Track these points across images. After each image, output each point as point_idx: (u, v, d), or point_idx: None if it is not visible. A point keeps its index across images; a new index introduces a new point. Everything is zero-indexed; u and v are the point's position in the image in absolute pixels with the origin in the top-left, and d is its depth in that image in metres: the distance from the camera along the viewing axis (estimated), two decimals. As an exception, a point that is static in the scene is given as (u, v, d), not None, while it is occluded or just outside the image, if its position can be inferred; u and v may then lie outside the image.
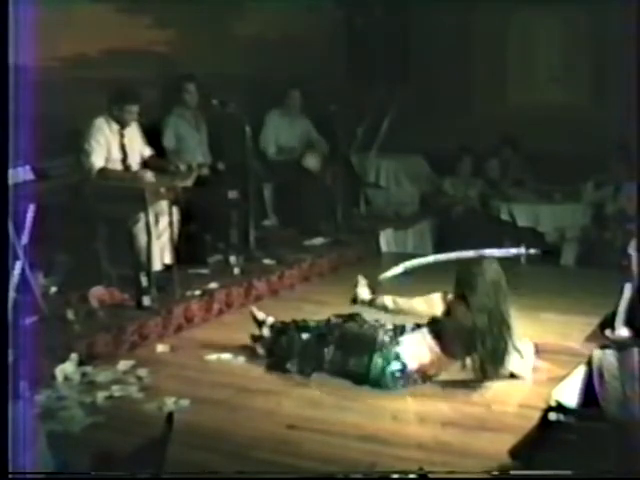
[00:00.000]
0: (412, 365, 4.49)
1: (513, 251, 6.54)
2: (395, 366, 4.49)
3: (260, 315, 5.14)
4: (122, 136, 5.93)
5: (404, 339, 4.57)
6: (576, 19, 8.90)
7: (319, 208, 7.69)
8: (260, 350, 5.04)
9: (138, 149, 6.08)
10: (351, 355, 4.59)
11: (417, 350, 4.52)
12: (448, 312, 4.52)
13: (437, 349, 4.51)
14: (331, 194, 7.72)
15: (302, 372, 4.72)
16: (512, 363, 4.56)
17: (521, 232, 8.04)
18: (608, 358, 3.34)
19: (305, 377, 4.70)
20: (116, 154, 5.89)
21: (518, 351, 4.56)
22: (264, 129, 7.76)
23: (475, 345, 4.43)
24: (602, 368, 3.34)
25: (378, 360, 4.51)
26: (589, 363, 3.44)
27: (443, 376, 4.61)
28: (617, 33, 8.28)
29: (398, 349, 4.52)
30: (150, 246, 5.62)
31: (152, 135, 6.50)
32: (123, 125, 5.91)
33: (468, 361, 4.52)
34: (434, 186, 8.88)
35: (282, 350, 4.85)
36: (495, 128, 8.65)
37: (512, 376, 4.60)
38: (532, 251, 7.06)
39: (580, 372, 4.10)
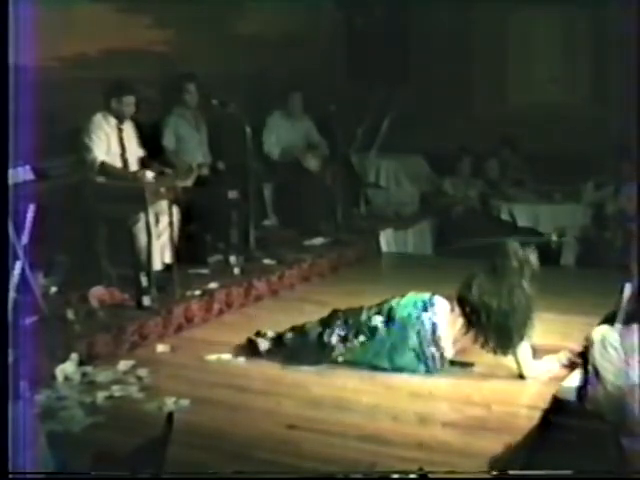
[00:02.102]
0: (439, 309, 4.65)
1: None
2: (424, 302, 4.70)
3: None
4: (120, 131, 5.96)
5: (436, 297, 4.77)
6: (576, 19, 8.90)
7: (319, 208, 7.69)
8: (263, 344, 5.00)
9: (134, 149, 6.09)
10: (384, 303, 4.80)
11: (446, 307, 4.69)
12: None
13: (461, 319, 4.66)
14: (331, 194, 7.71)
15: (343, 337, 4.77)
16: (522, 352, 4.58)
17: (521, 232, 8.05)
18: (612, 333, 3.41)
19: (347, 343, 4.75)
20: (115, 148, 5.91)
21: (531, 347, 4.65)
22: (266, 132, 7.75)
23: (481, 318, 4.56)
24: (605, 342, 3.40)
25: (410, 297, 4.76)
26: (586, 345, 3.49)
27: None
28: (617, 33, 8.28)
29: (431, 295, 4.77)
30: (150, 246, 5.62)
31: (152, 135, 6.51)
32: (121, 119, 5.94)
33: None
34: (434, 186, 8.88)
35: (302, 333, 4.89)
36: (495, 128, 8.65)
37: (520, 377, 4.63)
38: (564, 238, 7.27)
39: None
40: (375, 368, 4.73)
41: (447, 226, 8.39)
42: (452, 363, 4.76)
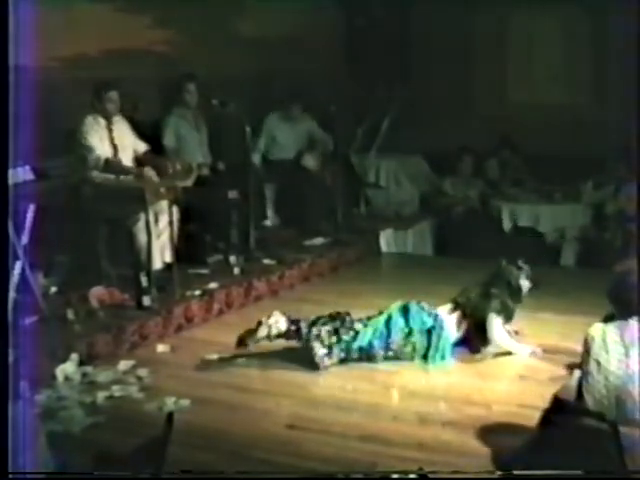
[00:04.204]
0: (444, 315, 5.13)
1: None
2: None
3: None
4: (111, 131, 5.96)
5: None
6: (576, 19, 8.90)
7: (319, 208, 7.69)
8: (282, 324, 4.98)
9: (130, 145, 6.09)
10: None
11: (448, 315, 5.17)
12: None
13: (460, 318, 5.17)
14: (331, 194, 7.71)
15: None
16: (493, 322, 5.05)
17: (521, 232, 8.06)
18: (612, 328, 3.47)
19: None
20: (107, 149, 5.91)
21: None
22: (262, 136, 7.73)
23: (466, 315, 5.13)
24: (605, 335, 3.44)
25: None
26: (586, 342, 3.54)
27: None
28: (617, 33, 8.27)
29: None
30: (150, 246, 5.62)
31: (152, 134, 6.51)
32: (109, 118, 5.94)
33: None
34: (434, 186, 8.87)
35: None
36: (495, 128, 8.65)
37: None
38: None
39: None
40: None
41: (447, 226, 8.39)
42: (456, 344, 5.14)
